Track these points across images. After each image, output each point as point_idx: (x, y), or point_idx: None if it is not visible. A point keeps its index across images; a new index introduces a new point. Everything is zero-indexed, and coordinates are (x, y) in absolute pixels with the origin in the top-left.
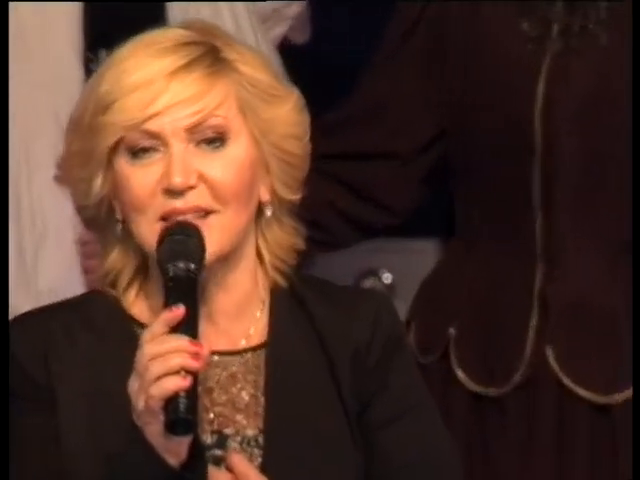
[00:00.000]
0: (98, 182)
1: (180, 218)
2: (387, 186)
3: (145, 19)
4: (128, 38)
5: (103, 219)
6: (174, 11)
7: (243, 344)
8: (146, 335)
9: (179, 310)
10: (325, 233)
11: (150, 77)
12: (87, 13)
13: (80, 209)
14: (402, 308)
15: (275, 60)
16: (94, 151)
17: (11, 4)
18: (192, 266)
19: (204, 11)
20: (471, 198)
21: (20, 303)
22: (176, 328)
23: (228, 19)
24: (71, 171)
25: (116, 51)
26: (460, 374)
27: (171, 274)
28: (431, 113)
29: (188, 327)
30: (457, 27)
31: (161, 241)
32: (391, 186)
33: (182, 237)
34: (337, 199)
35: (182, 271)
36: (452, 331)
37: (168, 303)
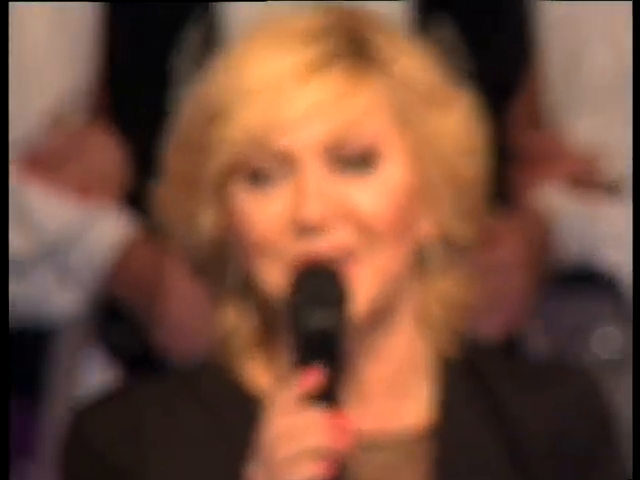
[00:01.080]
0: (207, 217)
1: (318, 259)
2: None
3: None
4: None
5: (214, 264)
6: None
7: (400, 425)
8: (273, 406)
9: (316, 373)
10: None
11: (277, 77)
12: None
13: (184, 251)
14: None
15: None
16: (202, 175)
17: None
18: (334, 317)
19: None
20: None
21: None
22: (312, 397)
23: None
24: (171, 202)
25: (231, 42)
26: None
27: (306, 327)
28: None
29: (328, 396)
30: None
31: (293, 286)
32: None
33: (321, 281)
34: None
35: (321, 323)
36: None
37: (302, 364)
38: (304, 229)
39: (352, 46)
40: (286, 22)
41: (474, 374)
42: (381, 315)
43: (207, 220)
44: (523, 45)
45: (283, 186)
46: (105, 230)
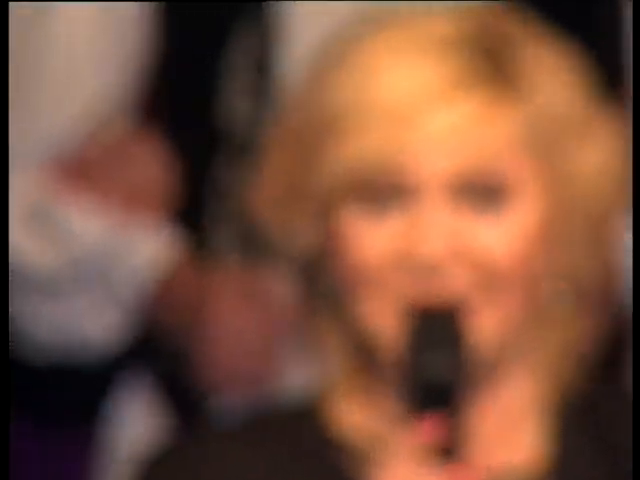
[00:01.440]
0: (304, 230)
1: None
2: None
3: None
4: None
5: (307, 276)
6: None
7: (515, 466)
8: (384, 457)
9: (434, 422)
10: None
11: (411, 92)
12: None
13: (281, 252)
14: None
15: None
16: (309, 184)
17: None
18: (453, 364)
19: None
20: None
21: None
22: (430, 447)
23: None
24: (266, 199)
25: (355, 40)
26: None
27: (425, 375)
28: None
29: (447, 447)
30: None
31: (410, 330)
32: None
33: (439, 326)
34: None
35: (441, 371)
36: None
37: (417, 412)
38: (419, 267)
39: (493, 62)
40: (417, 27)
41: (592, 413)
42: (501, 359)
43: (303, 234)
44: (614, 54)
45: (401, 215)
46: (148, 248)
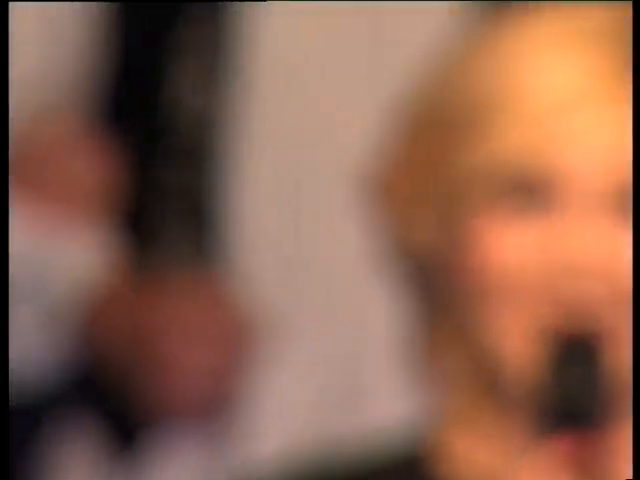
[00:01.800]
0: (427, 229)
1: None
2: None
3: None
4: None
5: (424, 282)
6: None
7: None
8: None
9: (573, 445)
10: None
11: (568, 89)
12: None
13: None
14: None
15: None
16: (442, 181)
17: None
18: (592, 391)
19: None
20: None
21: None
22: (567, 472)
23: None
24: (389, 192)
25: (501, 22)
26: None
27: (562, 400)
28: None
29: (586, 472)
30: None
31: (549, 358)
32: None
33: (581, 355)
34: None
35: (579, 396)
36: None
37: (553, 438)
38: (563, 280)
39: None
40: (569, 18)
41: None
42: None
43: (427, 229)
44: None
45: (546, 221)
46: (84, 258)
